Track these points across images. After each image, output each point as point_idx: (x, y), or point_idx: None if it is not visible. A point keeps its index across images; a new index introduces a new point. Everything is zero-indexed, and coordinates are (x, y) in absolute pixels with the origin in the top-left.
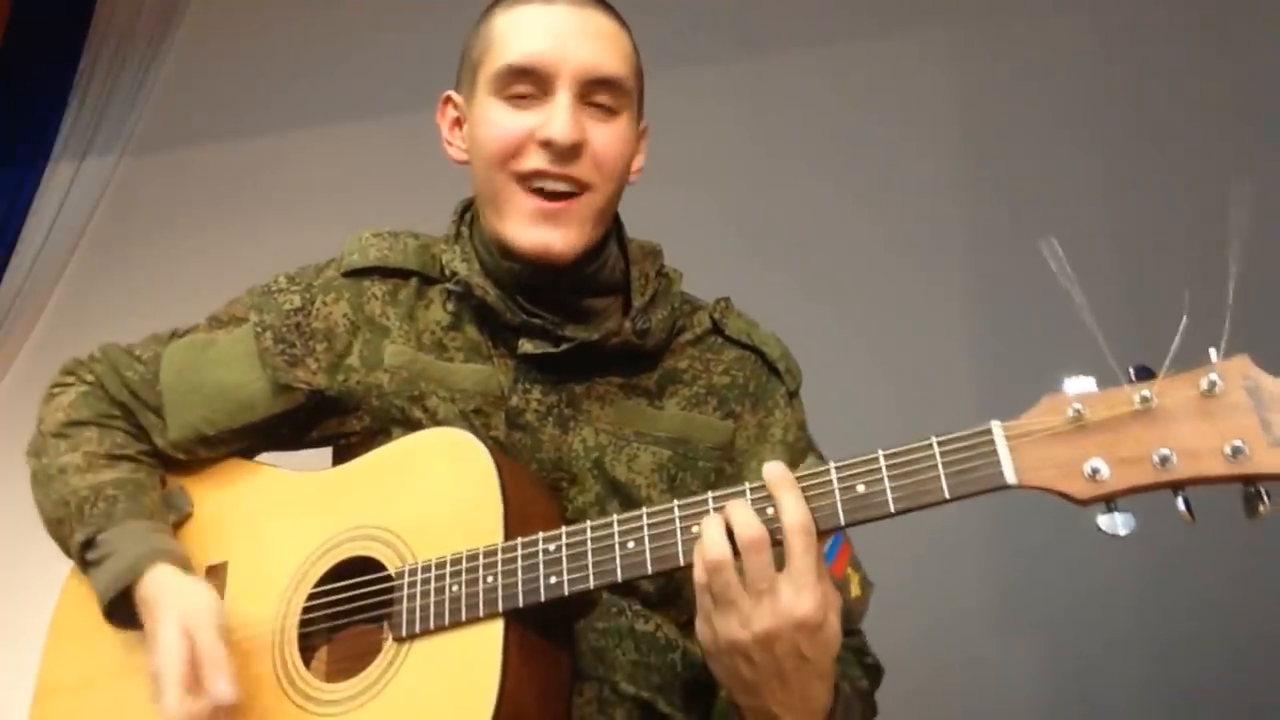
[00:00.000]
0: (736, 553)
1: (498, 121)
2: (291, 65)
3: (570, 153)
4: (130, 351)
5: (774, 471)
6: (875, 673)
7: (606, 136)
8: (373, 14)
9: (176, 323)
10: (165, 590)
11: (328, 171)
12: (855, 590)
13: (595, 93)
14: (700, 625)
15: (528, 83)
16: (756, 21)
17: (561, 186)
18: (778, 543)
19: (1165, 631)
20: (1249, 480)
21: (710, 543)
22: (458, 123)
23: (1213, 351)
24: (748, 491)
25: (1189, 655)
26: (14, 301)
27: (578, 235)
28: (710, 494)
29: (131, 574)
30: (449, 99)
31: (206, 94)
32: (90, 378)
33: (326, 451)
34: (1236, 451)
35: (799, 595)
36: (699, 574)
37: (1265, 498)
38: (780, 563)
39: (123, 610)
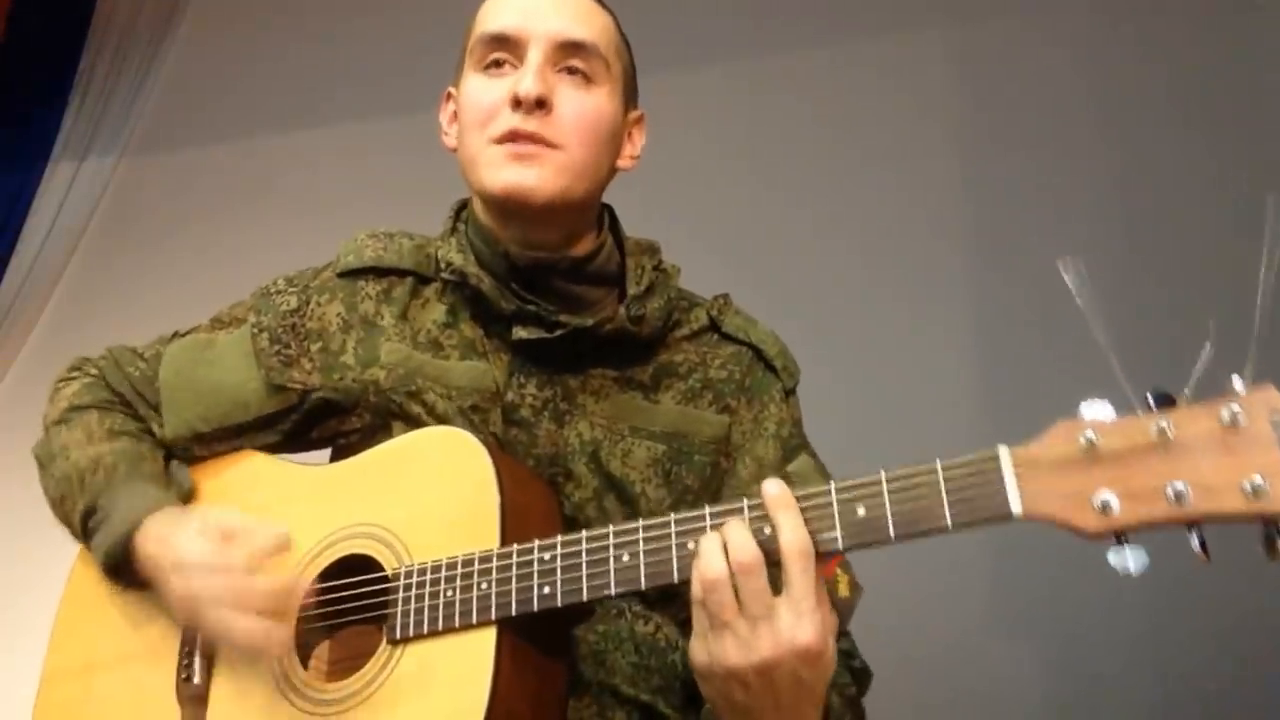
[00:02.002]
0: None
1: (476, 91)
2: (292, 65)
3: (536, 106)
4: (135, 350)
5: (772, 490)
6: (864, 676)
7: (578, 100)
8: (373, 14)
9: (175, 322)
10: (176, 526)
11: (328, 171)
12: (844, 591)
13: (568, 58)
14: (694, 644)
15: (502, 50)
16: (756, 21)
17: (531, 147)
18: (776, 563)
19: (1168, 636)
20: (1269, 520)
21: (707, 560)
22: (455, 117)
23: (1237, 380)
24: (745, 509)
25: (1193, 660)
26: (14, 301)
27: (551, 178)
28: (708, 509)
29: (130, 522)
30: (449, 95)
31: (206, 94)
32: (94, 371)
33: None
34: (1257, 490)
35: (799, 621)
36: (696, 591)
37: None
38: (779, 585)
39: (127, 571)
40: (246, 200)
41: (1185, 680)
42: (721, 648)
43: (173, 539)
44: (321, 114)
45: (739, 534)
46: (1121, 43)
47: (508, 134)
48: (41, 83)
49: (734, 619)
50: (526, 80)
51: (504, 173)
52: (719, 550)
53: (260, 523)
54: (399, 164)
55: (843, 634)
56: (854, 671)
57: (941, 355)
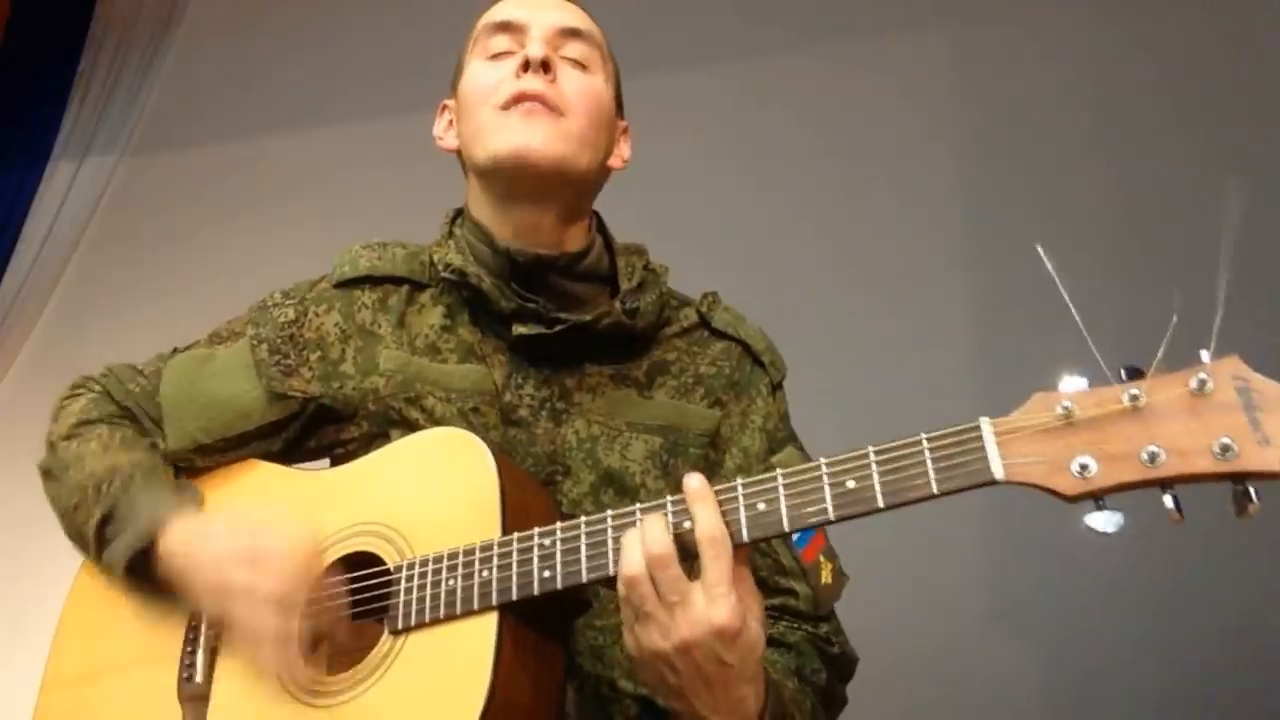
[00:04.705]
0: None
1: (480, 74)
2: (291, 65)
3: (542, 67)
4: (134, 367)
5: (691, 484)
6: (843, 663)
7: (578, 78)
8: (373, 14)
9: (175, 322)
10: (199, 532)
11: (327, 171)
12: (825, 578)
13: (566, 43)
14: (625, 635)
15: (504, 36)
16: (755, 22)
17: (538, 105)
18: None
19: (1167, 635)
20: (1237, 478)
21: (626, 558)
22: (450, 124)
23: (1204, 352)
24: (668, 504)
25: (1193, 659)
26: (14, 301)
27: (556, 141)
28: (638, 506)
29: (154, 524)
30: (444, 106)
31: (206, 94)
32: (97, 388)
33: None
34: (1225, 449)
35: (713, 605)
36: (620, 588)
37: (1254, 496)
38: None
39: (142, 579)
40: (246, 200)
41: (1185, 680)
42: (647, 635)
43: (202, 537)
44: (321, 114)
45: (653, 528)
46: (1093, 34)
47: (515, 96)
48: (41, 83)
49: (654, 609)
50: (533, 46)
51: (510, 134)
52: (638, 547)
53: (285, 520)
54: (399, 163)
55: (824, 619)
56: (831, 658)
57: (939, 353)
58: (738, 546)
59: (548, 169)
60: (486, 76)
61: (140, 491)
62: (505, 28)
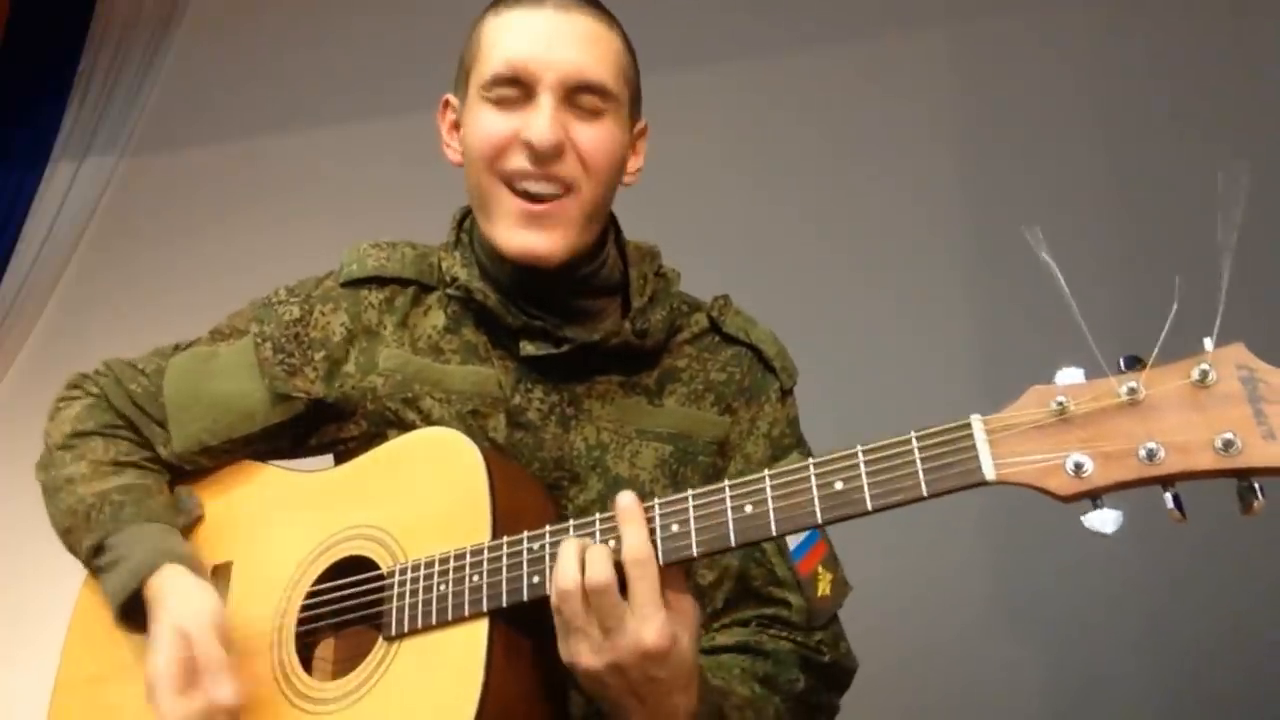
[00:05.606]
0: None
1: (483, 123)
2: (291, 65)
3: (551, 153)
4: (134, 365)
5: (621, 502)
6: (834, 672)
7: (591, 135)
8: (374, 14)
9: (175, 322)
10: (167, 592)
11: (327, 171)
12: (824, 589)
13: (579, 96)
14: (560, 644)
15: (512, 86)
16: (757, 21)
17: (546, 188)
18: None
19: (1168, 637)
20: (1241, 475)
21: (561, 571)
22: (455, 126)
23: (1207, 340)
24: (597, 522)
25: (1194, 661)
26: (14, 301)
27: (563, 238)
28: (598, 515)
29: (139, 576)
30: (447, 102)
31: (206, 94)
32: (96, 390)
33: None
34: (1228, 445)
35: (642, 626)
36: (552, 598)
37: (1259, 492)
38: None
39: (136, 612)
40: (246, 200)
41: (1186, 681)
42: (579, 649)
43: (159, 608)
44: (321, 114)
45: (595, 553)
46: (1093, 21)
47: (520, 173)
48: (41, 83)
49: (586, 625)
50: (540, 126)
51: (518, 236)
52: (574, 560)
53: (222, 668)
54: (399, 164)
55: (821, 629)
56: (817, 667)
57: (937, 346)
58: (727, 551)
59: (555, 263)
60: (492, 127)
61: (129, 521)
62: (513, 78)
